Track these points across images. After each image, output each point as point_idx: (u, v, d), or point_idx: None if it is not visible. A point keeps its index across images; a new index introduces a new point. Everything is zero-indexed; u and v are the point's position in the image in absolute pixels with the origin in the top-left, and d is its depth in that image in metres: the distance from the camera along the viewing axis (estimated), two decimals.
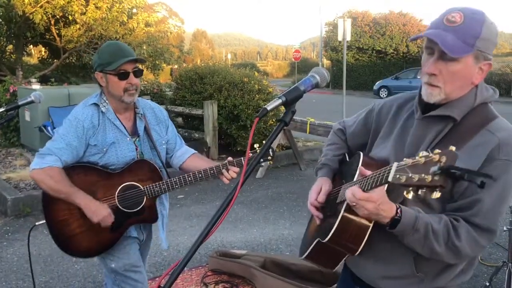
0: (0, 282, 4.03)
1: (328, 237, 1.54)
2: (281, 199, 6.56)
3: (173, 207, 6.11)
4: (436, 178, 1.06)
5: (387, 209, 1.41)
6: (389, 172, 1.17)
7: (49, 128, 7.48)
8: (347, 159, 1.86)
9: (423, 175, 1.07)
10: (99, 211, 2.35)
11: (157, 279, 4.06)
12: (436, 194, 1.08)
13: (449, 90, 1.47)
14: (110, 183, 2.41)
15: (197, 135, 8.69)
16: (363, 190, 1.38)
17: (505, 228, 3.22)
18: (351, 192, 1.40)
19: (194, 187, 7.18)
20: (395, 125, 1.68)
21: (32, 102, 2.44)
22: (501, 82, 24.67)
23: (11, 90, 8.84)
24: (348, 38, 11.96)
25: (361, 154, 1.62)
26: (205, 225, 1.21)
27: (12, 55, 13.87)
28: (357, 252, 1.57)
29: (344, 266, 1.83)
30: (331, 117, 9.59)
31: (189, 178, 2.44)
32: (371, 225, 1.52)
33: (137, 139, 2.51)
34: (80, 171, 2.41)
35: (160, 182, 2.44)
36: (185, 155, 2.69)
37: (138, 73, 2.41)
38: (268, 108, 1.24)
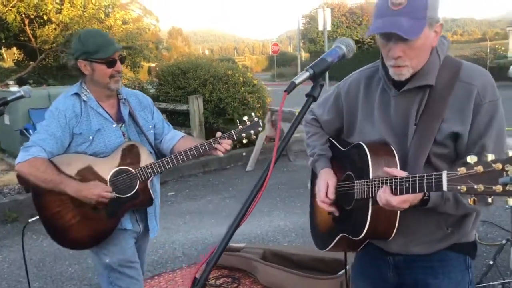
0: None
1: (362, 235, 1.56)
2: (273, 190, 6.50)
3: (164, 205, 5.99)
4: (509, 188, 1.08)
5: (417, 196, 1.44)
6: (440, 181, 1.22)
7: (30, 131, 7.25)
8: (340, 146, 1.85)
9: (491, 186, 1.09)
10: (91, 192, 2.27)
11: (156, 277, 3.96)
12: (510, 201, 1.10)
13: (416, 64, 1.51)
14: (100, 169, 2.36)
15: (183, 131, 8.50)
16: (397, 192, 1.41)
17: (507, 206, 3.22)
18: (387, 201, 1.42)
19: (185, 183, 7.08)
20: (371, 105, 1.69)
21: (22, 97, 2.33)
22: None
23: None
24: (329, 27, 11.97)
25: (365, 146, 1.61)
26: (237, 210, 1.13)
27: None
28: (391, 237, 1.57)
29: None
30: None
31: (181, 157, 2.39)
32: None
33: (123, 125, 2.47)
34: (69, 160, 2.35)
35: (152, 163, 2.39)
36: (175, 138, 2.64)
37: (122, 60, 2.41)
38: (296, 82, 1.18)
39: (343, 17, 30.96)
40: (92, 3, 11.24)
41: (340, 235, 1.73)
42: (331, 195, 1.74)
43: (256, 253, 3.91)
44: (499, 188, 1.08)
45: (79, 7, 10.87)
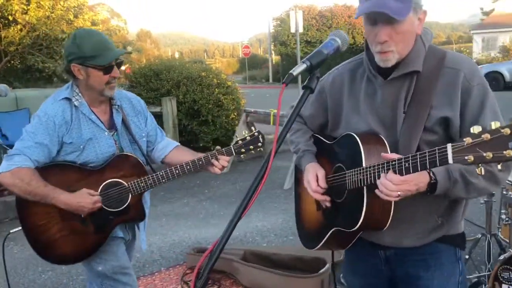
0: None
1: (358, 225, 1.54)
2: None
3: None
4: None
5: (423, 179, 1.42)
6: (445, 154, 1.18)
7: None
8: (325, 140, 1.83)
9: (501, 151, 1.07)
10: (81, 202, 2.16)
11: (141, 277, 3.88)
12: None
13: (401, 49, 1.52)
14: (90, 181, 2.23)
15: None
16: (398, 174, 1.37)
17: (482, 201, 3.31)
18: (388, 181, 1.38)
19: (159, 185, 6.96)
20: (356, 97, 1.69)
21: None
22: None
23: None
24: (301, 29, 12.07)
25: (355, 135, 1.59)
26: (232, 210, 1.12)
27: None
28: (385, 227, 1.56)
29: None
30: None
31: (177, 171, 2.28)
32: None
33: (115, 133, 2.34)
34: (56, 170, 2.22)
35: (146, 177, 2.28)
36: (168, 148, 2.52)
37: (120, 65, 2.27)
38: (294, 73, 1.18)
39: (313, 20, 31.24)
40: (61, 4, 10.99)
41: (332, 230, 1.71)
42: (323, 184, 1.72)
43: (237, 254, 3.89)
44: (509, 152, 1.06)
45: (47, 8, 10.60)
